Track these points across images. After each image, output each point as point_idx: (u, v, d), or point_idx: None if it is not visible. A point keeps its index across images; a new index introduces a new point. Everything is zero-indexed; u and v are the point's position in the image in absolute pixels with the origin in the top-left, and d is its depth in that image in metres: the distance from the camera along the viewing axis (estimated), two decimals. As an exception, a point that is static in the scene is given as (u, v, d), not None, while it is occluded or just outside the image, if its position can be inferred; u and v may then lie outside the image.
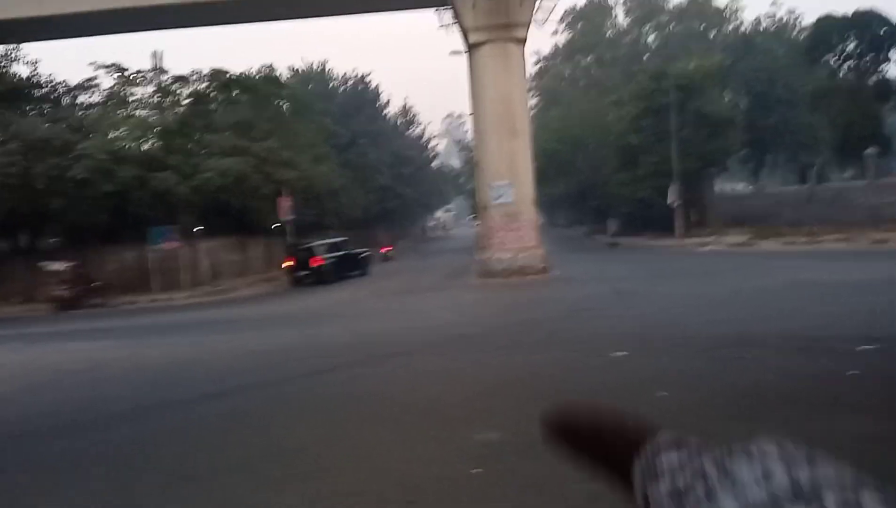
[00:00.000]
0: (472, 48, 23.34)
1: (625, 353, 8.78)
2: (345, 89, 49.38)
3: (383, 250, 39.42)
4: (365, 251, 30.57)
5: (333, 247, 28.14)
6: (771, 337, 9.37)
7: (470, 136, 45.52)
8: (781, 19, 46.17)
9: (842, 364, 7.56)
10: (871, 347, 8.17)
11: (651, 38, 53.79)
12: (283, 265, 27.63)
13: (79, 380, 10.20)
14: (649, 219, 38.58)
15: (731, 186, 54.60)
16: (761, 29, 46.26)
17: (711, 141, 36.00)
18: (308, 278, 26.21)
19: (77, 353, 12.83)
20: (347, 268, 28.02)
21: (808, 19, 42.92)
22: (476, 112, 24.29)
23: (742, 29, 48.49)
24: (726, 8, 50.86)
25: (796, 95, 40.05)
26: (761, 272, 18.91)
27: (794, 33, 45.08)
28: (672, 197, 31.66)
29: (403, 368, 9.34)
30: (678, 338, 9.79)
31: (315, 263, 26.50)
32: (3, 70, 25.66)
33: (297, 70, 47.36)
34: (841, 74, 36.70)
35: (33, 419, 7.98)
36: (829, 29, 35.43)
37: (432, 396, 7.58)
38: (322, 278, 26.19)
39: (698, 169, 36.24)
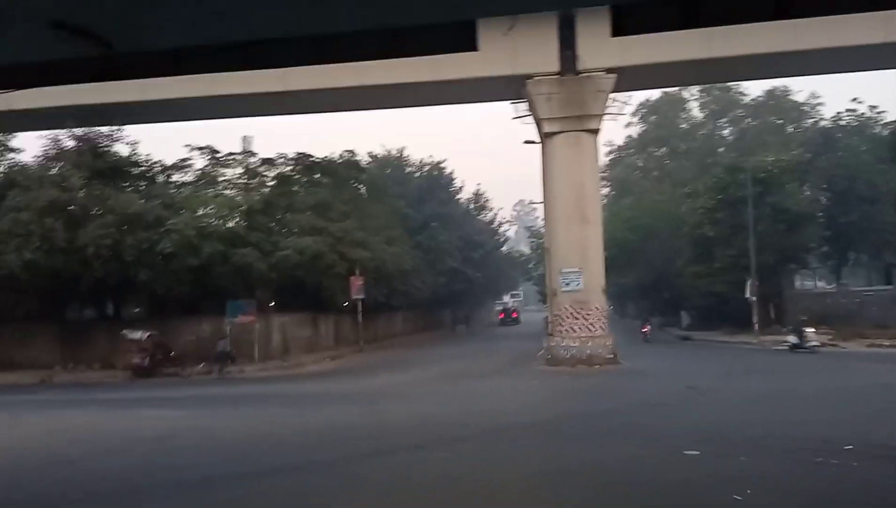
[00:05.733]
0: (545, 138, 23.80)
1: (697, 452, 8.46)
2: (420, 175, 50.67)
3: (515, 315, 65.34)
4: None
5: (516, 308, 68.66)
6: (856, 443, 8.84)
7: (540, 222, 45.83)
8: (863, 115, 44.86)
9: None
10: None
11: (726, 131, 53.49)
12: (497, 317, 65.45)
13: (149, 448, 10.45)
14: (725, 313, 37.40)
15: (811, 283, 52.57)
16: (843, 124, 45.18)
17: (790, 236, 35.04)
18: (510, 322, 61.08)
19: (150, 421, 13.19)
20: (517, 320, 62.52)
21: (892, 115, 41.62)
22: (548, 199, 24.53)
23: (822, 124, 47.64)
24: (805, 103, 50.27)
25: (879, 193, 38.75)
26: (844, 373, 18.03)
27: (877, 130, 43.84)
28: (749, 292, 30.71)
29: (468, 453, 9.24)
30: (755, 438, 9.37)
31: (514, 315, 64.02)
32: (106, 149, 27.47)
33: (377, 156, 49.03)
34: (927, 173, 35.48)
35: (96, 483, 8.20)
36: (914, 126, 34.52)
37: (496, 484, 7.46)
38: (517, 323, 60.89)
39: (776, 264, 35.19)
